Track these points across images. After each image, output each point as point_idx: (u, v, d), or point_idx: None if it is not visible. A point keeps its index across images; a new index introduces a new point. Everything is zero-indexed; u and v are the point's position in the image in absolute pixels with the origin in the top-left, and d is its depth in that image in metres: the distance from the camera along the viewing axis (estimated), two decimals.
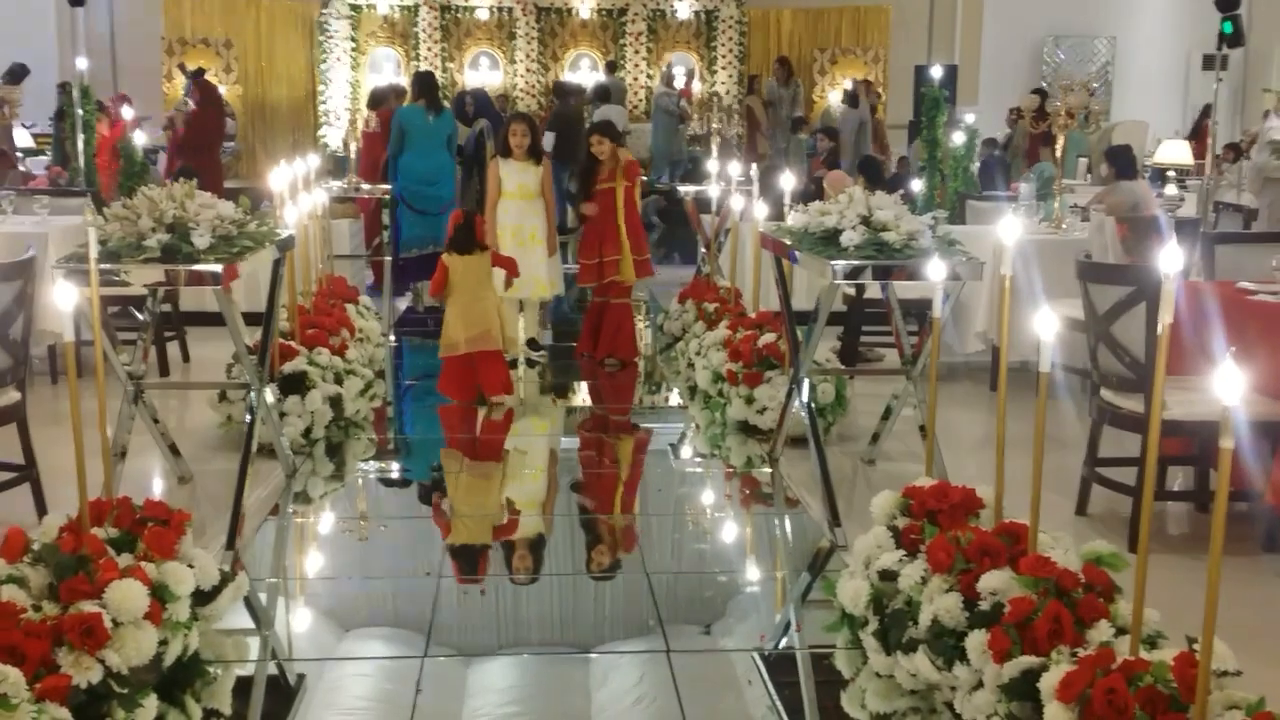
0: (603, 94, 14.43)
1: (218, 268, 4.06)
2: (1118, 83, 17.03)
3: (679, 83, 16.04)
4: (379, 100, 10.91)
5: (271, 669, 3.53)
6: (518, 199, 7.21)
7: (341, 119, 15.80)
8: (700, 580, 4.35)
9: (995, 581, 3.00)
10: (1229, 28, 9.16)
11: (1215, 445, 2.30)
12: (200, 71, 13.81)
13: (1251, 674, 2.65)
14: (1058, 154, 7.75)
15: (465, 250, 6.28)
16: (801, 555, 4.54)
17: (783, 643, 3.76)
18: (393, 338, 8.08)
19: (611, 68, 15.87)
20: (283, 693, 3.39)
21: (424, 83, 9.71)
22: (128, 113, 10.35)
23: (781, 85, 15.56)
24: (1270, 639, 3.67)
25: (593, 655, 3.67)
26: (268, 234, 4.62)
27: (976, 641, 2.90)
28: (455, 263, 6.27)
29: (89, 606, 2.84)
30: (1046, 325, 2.93)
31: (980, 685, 2.88)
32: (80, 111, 8.98)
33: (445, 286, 6.30)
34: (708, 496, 5.35)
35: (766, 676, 3.46)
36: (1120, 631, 2.82)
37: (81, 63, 9.37)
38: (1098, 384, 4.66)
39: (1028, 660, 2.75)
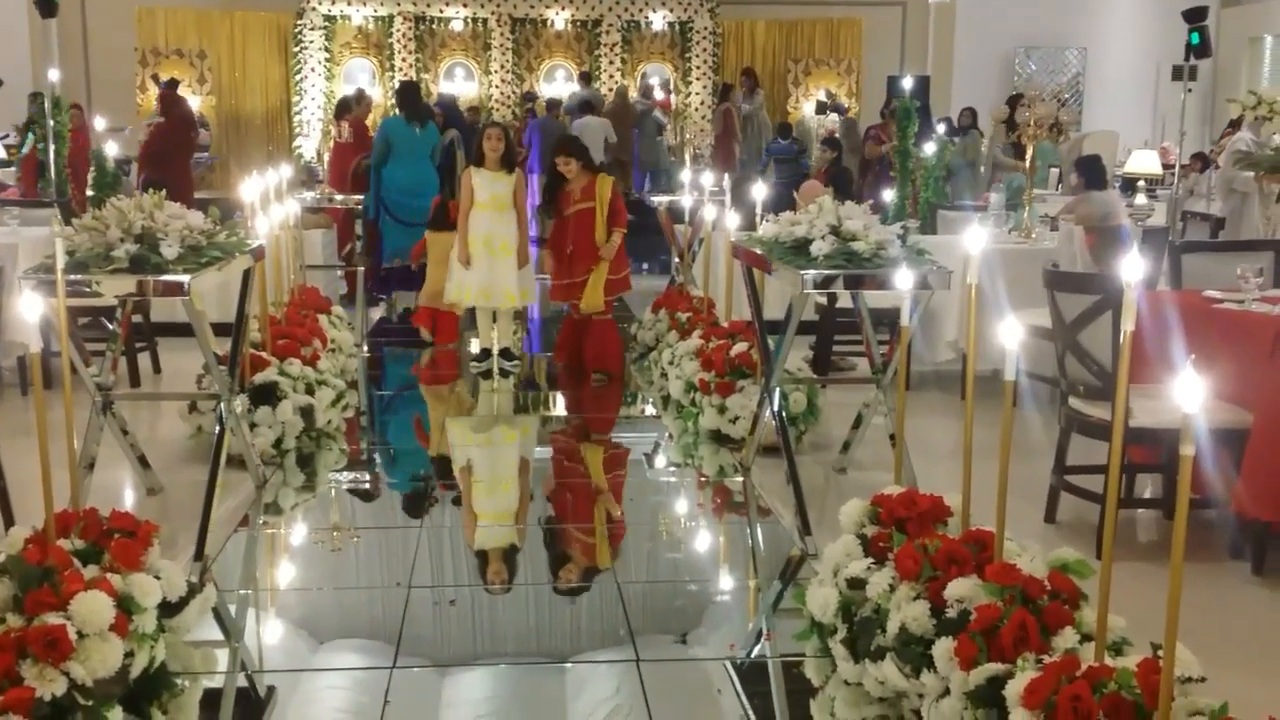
0: (586, 106, 14.47)
1: (185, 278, 4.05)
2: (1088, 93, 17.19)
3: (657, 94, 16.09)
4: (345, 108, 10.89)
5: (240, 681, 3.51)
6: (490, 209, 7.16)
7: (316, 130, 15.77)
8: (672, 589, 4.35)
9: (962, 589, 3.01)
10: (1196, 39, 9.27)
11: None
12: (174, 83, 13.76)
13: (1216, 680, 2.67)
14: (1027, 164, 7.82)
15: (439, 228, 7.99)
16: (773, 564, 4.55)
17: (754, 651, 3.77)
18: (365, 348, 8.06)
19: (586, 79, 15.87)
20: (252, 705, 3.37)
21: (406, 94, 9.70)
22: (100, 124, 10.29)
23: (747, 97, 15.63)
24: (1235, 645, 3.70)
25: (566, 665, 3.67)
26: (237, 244, 4.61)
27: (943, 649, 2.92)
28: (431, 238, 8.06)
29: (54, 618, 2.82)
30: (1011, 335, 2.96)
31: (947, 692, 2.89)
32: (51, 122, 8.93)
33: (421, 255, 8.20)
34: (680, 506, 5.35)
35: (738, 685, 3.46)
36: (1086, 638, 2.84)
37: (54, 74, 9.31)
38: (1066, 392, 4.70)
39: (994, 667, 2.77)
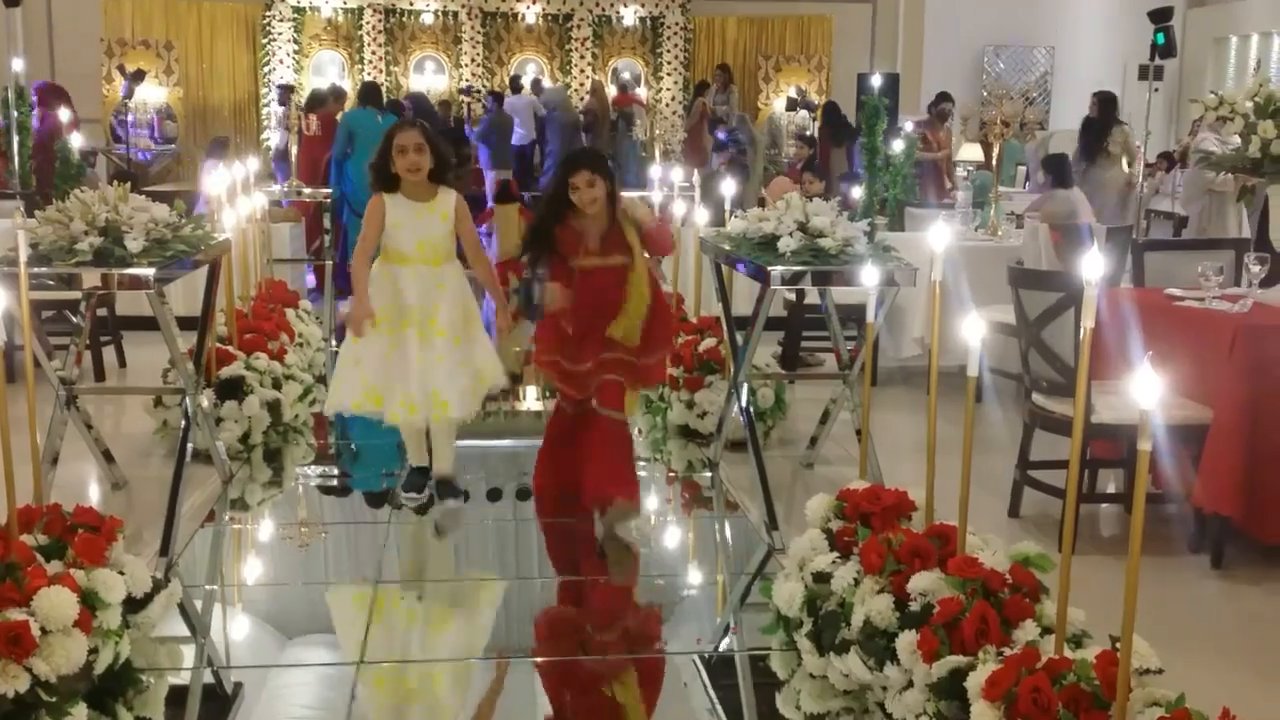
0: (515, 83, 14.74)
1: (150, 271, 4.03)
2: (1056, 92, 17.31)
3: (613, 91, 16.05)
4: (318, 102, 10.87)
5: (207, 677, 3.50)
6: (419, 263, 4.47)
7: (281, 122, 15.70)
8: (640, 584, 4.36)
9: (925, 582, 3.04)
10: (1161, 39, 9.36)
11: None
12: (140, 74, 13.63)
13: (1174, 672, 2.71)
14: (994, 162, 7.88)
15: (502, 202, 9.47)
16: (740, 558, 4.58)
17: (721, 645, 3.79)
18: (333, 342, 8.02)
19: (536, 86, 15.77)
20: (218, 701, 3.36)
21: (369, 88, 9.84)
22: (64, 115, 10.18)
23: (720, 92, 15.66)
24: (1194, 637, 3.75)
25: (534, 661, 3.68)
26: (202, 238, 4.58)
27: (906, 642, 2.95)
28: (497, 210, 9.49)
29: (16, 614, 2.80)
30: (974, 331, 2.99)
31: (910, 685, 2.93)
32: (15, 113, 8.84)
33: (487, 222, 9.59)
34: (649, 501, 5.36)
35: (705, 679, 3.48)
36: (1046, 631, 2.87)
37: (18, 64, 9.21)
38: (1029, 388, 4.74)
39: (955, 660, 2.80)
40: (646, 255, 4.47)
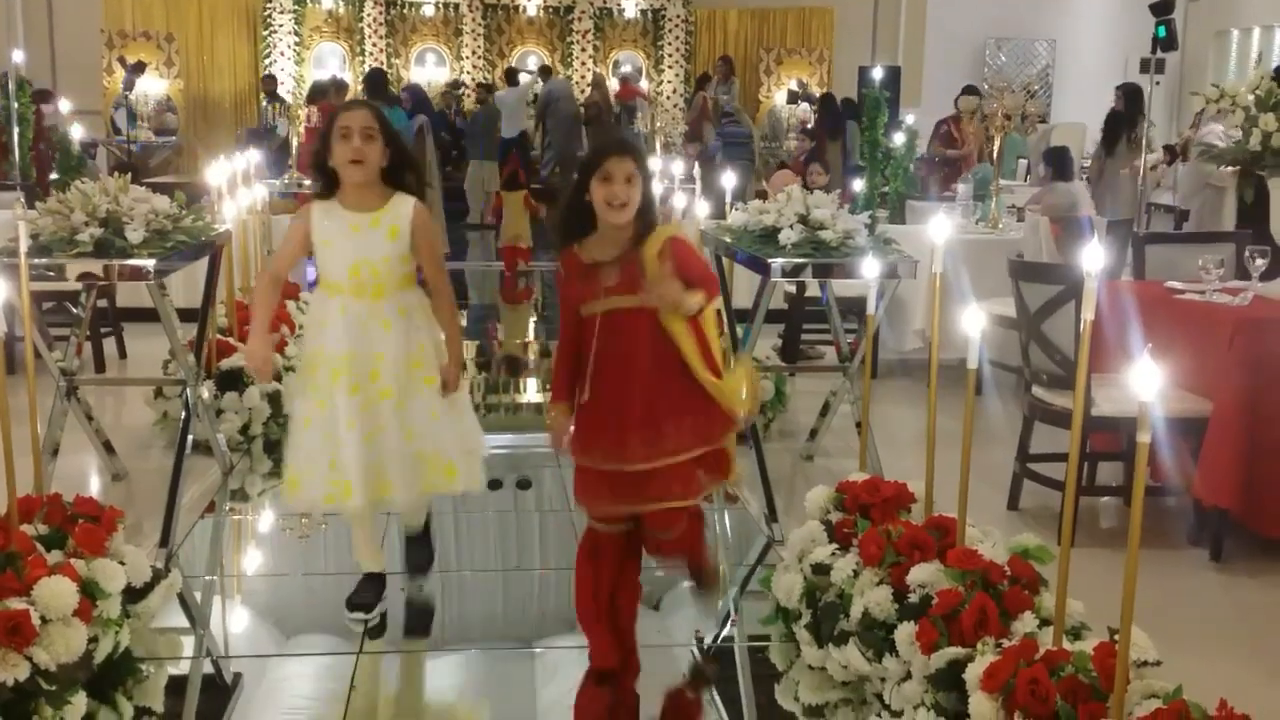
0: (511, 74, 14.81)
1: (150, 262, 4.03)
2: (1058, 85, 17.29)
3: (613, 84, 16.00)
4: (319, 93, 10.87)
5: (206, 667, 3.51)
6: (351, 295, 3.35)
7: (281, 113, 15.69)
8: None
9: (924, 574, 3.05)
10: (1162, 32, 9.34)
11: None
12: (141, 66, 13.63)
13: (1172, 664, 2.72)
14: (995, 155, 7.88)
15: (510, 189, 11.14)
16: (740, 550, 4.58)
17: (720, 636, 3.79)
18: None
19: (546, 72, 15.78)
20: (218, 691, 3.37)
21: (375, 79, 9.83)
22: (65, 106, 10.19)
23: (722, 84, 15.65)
24: (1192, 630, 3.76)
25: (534, 651, 3.68)
26: (203, 229, 4.59)
27: (905, 633, 2.95)
28: (505, 196, 11.01)
29: (17, 604, 2.81)
30: (974, 323, 3.00)
31: (909, 676, 2.93)
32: (15, 104, 8.83)
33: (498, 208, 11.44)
34: None
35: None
36: (1045, 623, 2.88)
37: (18, 55, 9.21)
38: (1029, 381, 4.74)
39: (954, 651, 2.80)
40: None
